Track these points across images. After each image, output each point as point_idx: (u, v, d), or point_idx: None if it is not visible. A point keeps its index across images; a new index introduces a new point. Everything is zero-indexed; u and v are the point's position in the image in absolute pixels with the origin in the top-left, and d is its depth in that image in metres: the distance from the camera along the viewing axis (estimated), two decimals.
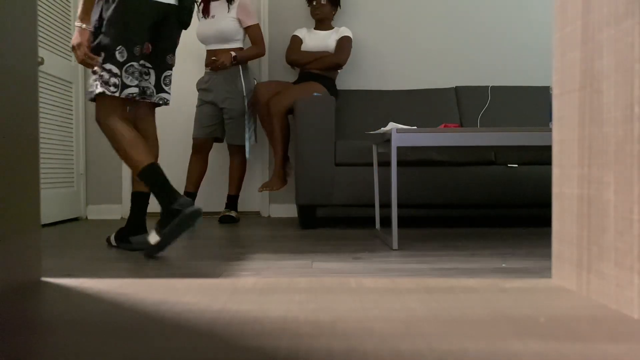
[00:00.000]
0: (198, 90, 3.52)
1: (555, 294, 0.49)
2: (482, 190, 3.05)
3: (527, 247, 2.37)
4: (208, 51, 3.51)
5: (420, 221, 3.59)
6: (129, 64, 2.19)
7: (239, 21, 3.46)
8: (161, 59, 2.36)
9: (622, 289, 0.42)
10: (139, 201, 2.38)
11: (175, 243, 2.51)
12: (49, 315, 0.43)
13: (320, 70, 3.54)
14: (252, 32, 3.47)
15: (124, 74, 2.18)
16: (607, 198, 0.44)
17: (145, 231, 2.38)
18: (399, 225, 3.30)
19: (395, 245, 2.28)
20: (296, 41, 3.65)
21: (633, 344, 0.35)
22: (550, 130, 2.28)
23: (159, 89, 2.38)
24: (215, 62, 3.35)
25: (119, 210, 3.95)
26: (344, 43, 3.58)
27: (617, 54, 0.43)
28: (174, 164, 4.03)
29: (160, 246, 2.09)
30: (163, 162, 4.03)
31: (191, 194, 3.45)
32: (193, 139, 3.45)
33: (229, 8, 3.44)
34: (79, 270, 1.87)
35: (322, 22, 3.66)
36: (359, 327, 0.39)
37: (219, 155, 4.02)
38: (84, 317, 0.42)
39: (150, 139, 2.39)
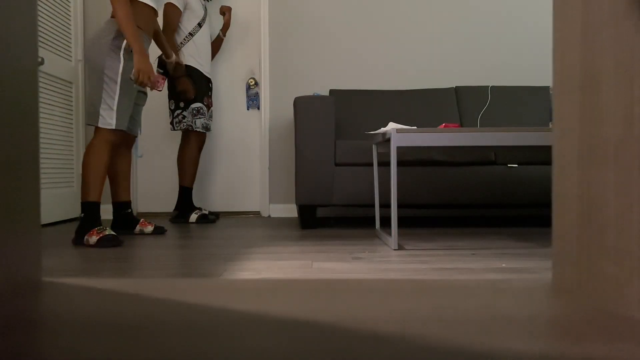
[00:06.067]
0: None
1: (555, 294, 0.49)
2: (482, 190, 3.05)
3: (527, 247, 2.37)
4: None
5: (420, 221, 3.59)
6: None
7: None
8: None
9: (622, 289, 0.42)
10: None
11: (174, 241, 2.51)
12: (49, 315, 0.43)
13: None
14: None
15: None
16: (607, 198, 0.44)
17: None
18: (399, 225, 3.30)
19: (395, 245, 2.28)
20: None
21: (633, 344, 0.35)
22: (550, 130, 2.28)
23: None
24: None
25: None
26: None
27: (617, 54, 0.43)
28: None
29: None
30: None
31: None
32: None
33: None
34: (79, 270, 1.87)
35: None
36: (359, 327, 0.39)
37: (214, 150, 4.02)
38: (84, 317, 0.42)
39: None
